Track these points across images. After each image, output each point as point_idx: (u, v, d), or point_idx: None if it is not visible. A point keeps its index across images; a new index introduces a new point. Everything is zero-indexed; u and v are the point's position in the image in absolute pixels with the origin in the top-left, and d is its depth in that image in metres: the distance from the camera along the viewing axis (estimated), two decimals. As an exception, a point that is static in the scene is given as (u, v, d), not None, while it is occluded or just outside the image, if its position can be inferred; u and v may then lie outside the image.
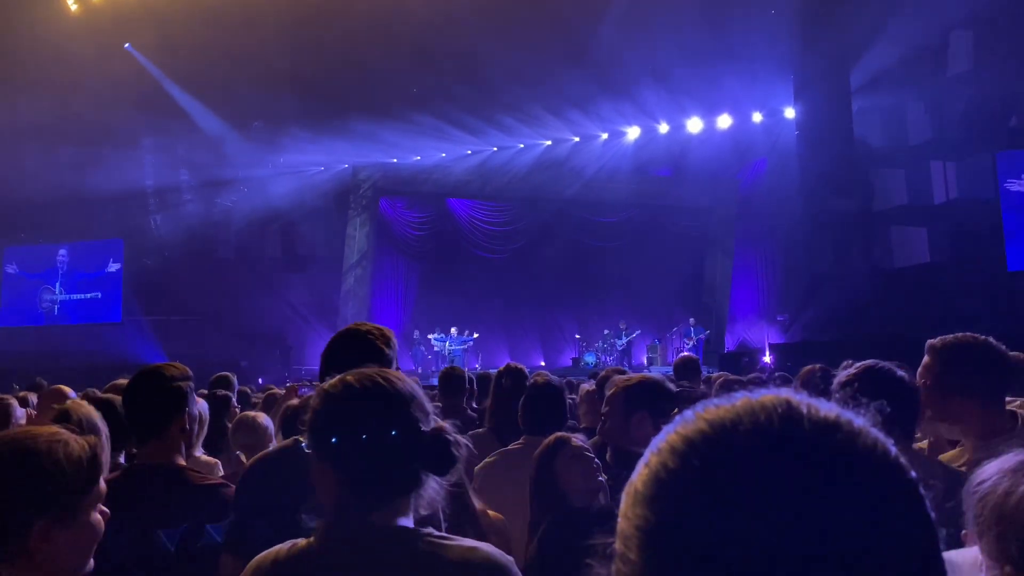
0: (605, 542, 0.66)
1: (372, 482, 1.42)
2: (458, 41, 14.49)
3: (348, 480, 1.42)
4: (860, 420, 0.63)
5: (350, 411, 1.44)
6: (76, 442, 1.47)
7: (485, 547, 1.45)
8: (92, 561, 1.52)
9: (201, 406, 3.20)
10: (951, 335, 2.37)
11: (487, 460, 3.18)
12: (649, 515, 0.61)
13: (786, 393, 0.64)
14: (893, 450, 0.62)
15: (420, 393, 1.50)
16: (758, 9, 13.82)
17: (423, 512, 1.46)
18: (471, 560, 1.40)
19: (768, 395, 0.63)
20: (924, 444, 2.78)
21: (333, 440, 1.43)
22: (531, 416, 3.27)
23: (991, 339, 2.37)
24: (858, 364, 2.30)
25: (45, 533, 1.40)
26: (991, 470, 1.34)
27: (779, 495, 0.57)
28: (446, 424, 1.47)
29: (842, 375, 2.28)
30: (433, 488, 1.46)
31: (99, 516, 1.51)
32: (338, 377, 1.49)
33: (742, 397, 0.64)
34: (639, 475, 0.64)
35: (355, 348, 2.14)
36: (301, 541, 1.46)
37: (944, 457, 2.46)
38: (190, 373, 2.43)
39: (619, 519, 0.64)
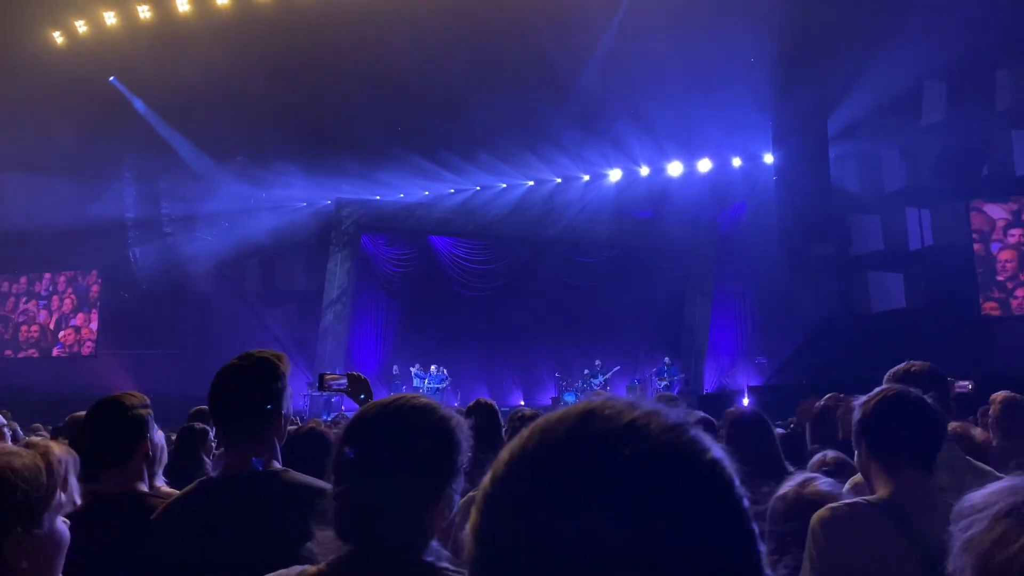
0: None
1: (399, 511, 1.39)
2: (443, 81, 14.65)
3: (374, 503, 1.38)
4: (658, 411, 0.62)
5: (389, 428, 1.43)
6: (25, 454, 1.51)
7: None
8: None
9: (159, 436, 3.17)
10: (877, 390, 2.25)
11: (472, 494, 3.11)
12: (472, 546, 0.64)
13: (603, 398, 0.65)
14: (686, 437, 0.61)
15: (465, 434, 1.49)
16: (738, 57, 14.11)
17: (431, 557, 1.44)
18: None
19: (579, 403, 0.65)
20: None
21: (367, 455, 1.41)
22: None
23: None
24: (880, 388, 2.22)
25: (18, 545, 1.42)
26: (982, 504, 1.06)
27: (563, 501, 0.58)
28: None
29: (861, 400, 2.21)
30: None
31: (62, 525, 1.53)
32: (388, 398, 1.50)
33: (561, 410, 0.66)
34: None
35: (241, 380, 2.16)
36: (310, 568, 1.41)
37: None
38: (148, 401, 2.46)
39: None
